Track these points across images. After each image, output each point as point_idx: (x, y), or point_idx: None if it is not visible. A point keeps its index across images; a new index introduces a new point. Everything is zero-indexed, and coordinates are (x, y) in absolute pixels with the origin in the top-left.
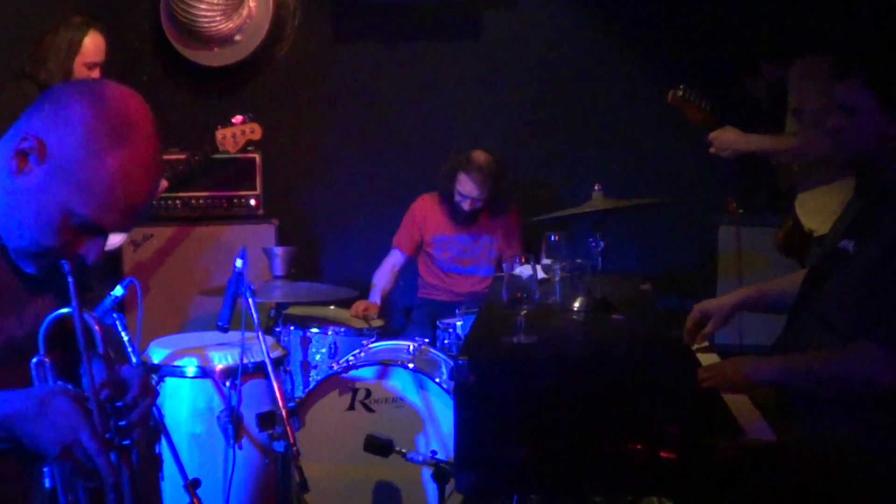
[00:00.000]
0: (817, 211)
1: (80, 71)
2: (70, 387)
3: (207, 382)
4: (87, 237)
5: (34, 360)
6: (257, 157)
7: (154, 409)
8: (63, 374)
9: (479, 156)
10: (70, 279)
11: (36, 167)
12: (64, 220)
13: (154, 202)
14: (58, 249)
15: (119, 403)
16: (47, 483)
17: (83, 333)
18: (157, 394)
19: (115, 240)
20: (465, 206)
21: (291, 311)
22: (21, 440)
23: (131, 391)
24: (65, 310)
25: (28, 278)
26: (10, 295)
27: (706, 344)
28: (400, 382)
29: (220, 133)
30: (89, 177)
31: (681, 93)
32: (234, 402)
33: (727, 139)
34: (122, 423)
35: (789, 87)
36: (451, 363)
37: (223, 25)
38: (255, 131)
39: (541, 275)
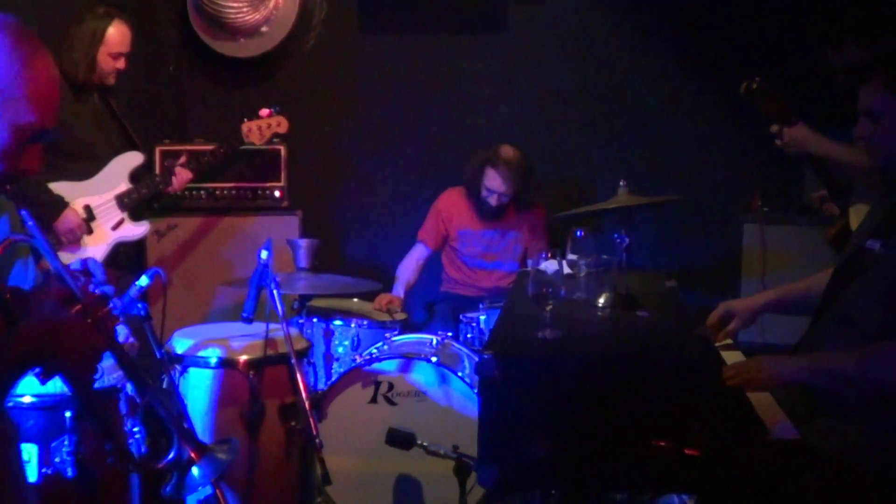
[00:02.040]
0: None
1: (104, 61)
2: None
3: (231, 373)
4: (27, 150)
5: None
6: (283, 149)
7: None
8: None
9: (507, 151)
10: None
11: None
12: (18, 140)
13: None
14: (6, 174)
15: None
16: None
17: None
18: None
19: (139, 230)
20: (492, 201)
21: (315, 302)
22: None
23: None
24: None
25: None
26: None
27: (730, 341)
28: (423, 376)
29: (245, 126)
30: (30, 86)
31: (755, 85)
32: (257, 393)
33: (800, 136)
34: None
35: None
36: (474, 357)
37: (250, 17)
38: (281, 124)
39: (566, 270)
